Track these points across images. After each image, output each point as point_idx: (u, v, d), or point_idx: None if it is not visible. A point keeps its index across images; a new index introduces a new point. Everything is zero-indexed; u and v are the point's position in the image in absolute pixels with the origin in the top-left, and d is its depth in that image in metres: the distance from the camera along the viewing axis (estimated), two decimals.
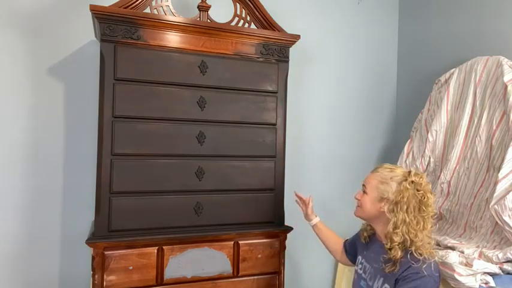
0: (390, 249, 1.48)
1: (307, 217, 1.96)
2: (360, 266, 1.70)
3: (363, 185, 1.62)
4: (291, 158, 2.44)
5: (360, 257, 1.72)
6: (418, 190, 1.48)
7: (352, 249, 1.83)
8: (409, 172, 1.53)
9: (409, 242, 1.46)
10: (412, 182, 1.49)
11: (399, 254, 1.45)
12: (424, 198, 1.48)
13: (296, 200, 2.00)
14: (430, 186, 1.54)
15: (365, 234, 1.71)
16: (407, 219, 1.47)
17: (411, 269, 1.42)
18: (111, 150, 1.81)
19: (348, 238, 1.88)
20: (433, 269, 1.43)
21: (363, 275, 1.65)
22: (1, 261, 2.06)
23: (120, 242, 1.80)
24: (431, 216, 1.51)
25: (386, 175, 1.55)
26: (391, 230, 1.48)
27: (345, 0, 2.82)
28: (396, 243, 1.46)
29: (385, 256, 1.50)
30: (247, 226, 2.05)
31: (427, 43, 2.72)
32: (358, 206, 1.63)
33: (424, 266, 1.41)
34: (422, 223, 1.47)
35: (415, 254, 1.44)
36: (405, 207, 1.47)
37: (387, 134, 2.97)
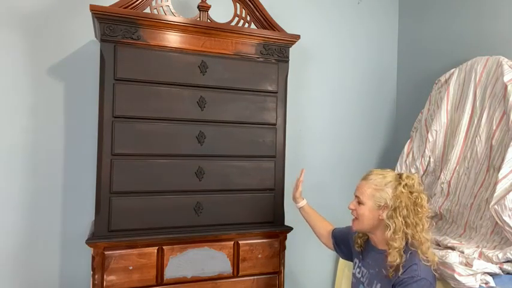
0: (388, 255, 1.47)
1: (294, 199, 1.98)
2: (357, 269, 1.70)
3: (356, 196, 1.57)
4: (291, 158, 2.44)
5: (356, 261, 1.72)
6: (411, 192, 1.48)
7: (342, 243, 1.82)
8: (401, 175, 1.52)
9: (409, 244, 1.47)
10: (406, 185, 1.48)
11: (398, 259, 1.44)
12: (418, 199, 1.48)
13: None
14: (422, 186, 1.54)
15: (359, 241, 1.68)
16: (407, 223, 1.46)
17: (406, 273, 1.42)
18: (111, 150, 1.81)
19: (337, 228, 1.89)
20: (427, 271, 1.44)
21: (361, 279, 1.65)
22: (1, 261, 2.06)
23: (120, 242, 1.80)
24: (427, 216, 1.51)
25: (380, 181, 1.52)
26: (390, 236, 1.46)
27: (345, 0, 2.82)
28: (397, 249, 1.44)
29: (387, 263, 1.49)
30: (247, 226, 2.04)
31: (427, 43, 2.71)
32: (356, 218, 1.57)
33: (420, 269, 1.41)
34: (421, 225, 1.47)
35: (417, 255, 1.45)
36: (404, 211, 1.46)
37: (387, 134, 2.97)
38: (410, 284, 1.41)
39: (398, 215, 1.46)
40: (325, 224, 1.93)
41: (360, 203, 1.54)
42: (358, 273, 1.68)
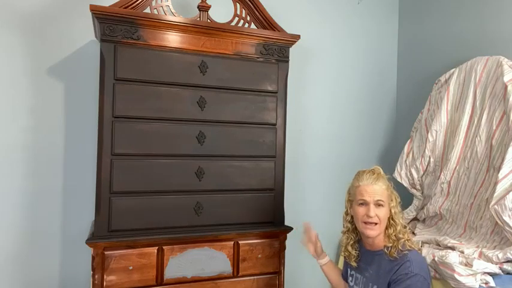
0: (390, 249, 1.50)
1: (314, 255, 1.81)
2: (350, 278, 1.70)
3: (380, 200, 1.52)
4: (291, 158, 2.44)
5: (348, 270, 1.72)
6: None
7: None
8: (380, 170, 1.60)
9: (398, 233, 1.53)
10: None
11: (397, 251, 1.50)
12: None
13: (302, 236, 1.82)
14: None
15: (354, 253, 1.64)
16: (400, 213, 1.57)
17: (400, 270, 1.45)
18: (111, 150, 1.81)
19: (342, 271, 1.81)
20: (421, 267, 1.46)
21: (355, 287, 1.65)
22: (1, 261, 2.06)
23: (120, 242, 1.80)
24: None
25: (385, 181, 1.57)
26: (399, 230, 1.52)
27: (344, 0, 2.82)
28: (408, 240, 1.51)
29: (386, 262, 1.51)
30: (247, 226, 2.04)
31: (427, 43, 2.71)
32: (377, 223, 1.51)
33: (413, 266, 1.44)
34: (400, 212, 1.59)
35: (402, 245, 1.50)
36: (398, 201, 1.58)
37: (387, 134, 2.97)
38: (404, 281, 1.42)
39: (398, 206, 1.57)
40: (340, 277, 1.82)
41: (381, 205, 1.53)
42: (351, 281, 1.69)
